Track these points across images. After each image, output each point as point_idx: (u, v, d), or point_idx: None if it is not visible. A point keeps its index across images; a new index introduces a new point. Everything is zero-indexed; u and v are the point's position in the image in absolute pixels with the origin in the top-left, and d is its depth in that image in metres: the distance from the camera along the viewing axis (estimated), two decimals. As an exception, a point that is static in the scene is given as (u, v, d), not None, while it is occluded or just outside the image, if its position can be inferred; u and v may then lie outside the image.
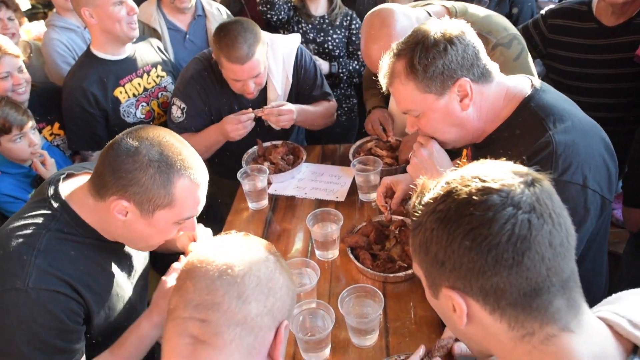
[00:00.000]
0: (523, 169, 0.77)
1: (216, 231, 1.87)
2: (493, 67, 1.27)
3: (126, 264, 1.36)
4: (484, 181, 0.73)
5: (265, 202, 2.00)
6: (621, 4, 1.96)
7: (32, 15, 5.14)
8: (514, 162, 1.17)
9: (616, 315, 0.76)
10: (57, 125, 2.23)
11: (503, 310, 0.72)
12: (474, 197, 0.72)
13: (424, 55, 1.20)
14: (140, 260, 1.43)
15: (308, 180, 2.11)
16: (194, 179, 1.16)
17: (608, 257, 1.45)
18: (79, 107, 2.11)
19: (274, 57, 2.17)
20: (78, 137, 2.18)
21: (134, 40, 2.17)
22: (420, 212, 0.79)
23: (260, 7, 2.80)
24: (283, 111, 2.08)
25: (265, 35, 2.13)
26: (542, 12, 2.28)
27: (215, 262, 0.86)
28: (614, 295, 0.88)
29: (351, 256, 1.62)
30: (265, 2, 2.75)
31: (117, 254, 1.32)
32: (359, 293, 1.39)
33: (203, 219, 1.55)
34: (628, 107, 2.13)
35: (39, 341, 1.10)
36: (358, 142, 2.25)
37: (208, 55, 2.17)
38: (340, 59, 2.82)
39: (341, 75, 2.82)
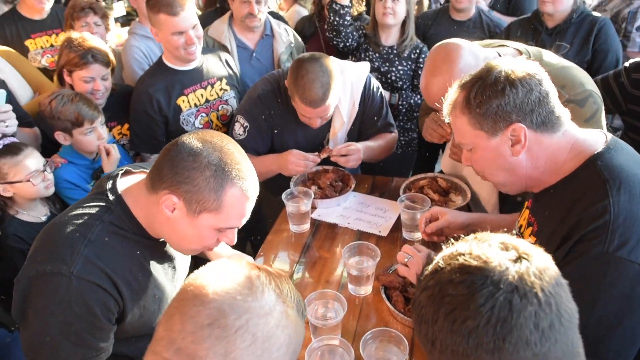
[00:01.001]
0: (515, 242, 0.74)
1: (256, 246, 1.89)
2: (562, 115, 1.19)
3: (168, 266, 1.38)
4: (465, 260, 0.72)
5: (306, 226, 1.98)
6: None
7: (127, 21, 5.57)
8: (567, 223, 1.10)
9: None
10: (126, 125, 2.37)
11: None
12: (454, 276, 0.71)
13: (480, 92, 1.17)
14: (183, 264, 1.46)
15: (353, 210, 2.07)
16: (245, 191, 1.17)
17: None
18: (143, 111, 2.24)
19: (342, 84, 2.17)
20: (140, 139, 2.30)
21: (203, 51, 2.29)
22: (418, 284, 0.79)
23: (328, 33, 2.85)
24: (351, 151, 2.08)
25: (337, 62, 2.15)
26: (627, 64, 2.12)
27: (212, 303, 0.76)
28: None
29: (383, 296, 1.55)
30: (331, 30, 2.80)
31: (161, 254, 1.35)
32: (384, 337, 1.33)
33: (247, 229, 1.57)
34: None
35: (69, 329, 1.13)
36: (411, 178, 2.18)
37: (278, 77, 2.20)
38: (403, 91, 2.79)
39: (400, 107, 2.78)
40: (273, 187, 2.24)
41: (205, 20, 3.10)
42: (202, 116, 2.34)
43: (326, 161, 2.23)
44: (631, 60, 2.14)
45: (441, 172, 2.26)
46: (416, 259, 1.47)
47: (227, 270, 0.82)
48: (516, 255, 0.71)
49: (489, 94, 1.15)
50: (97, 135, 2.06)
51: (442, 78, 1.66)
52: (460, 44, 1.69)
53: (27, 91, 2.40)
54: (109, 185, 1.26)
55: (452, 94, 1.27)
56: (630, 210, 1.05)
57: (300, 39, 2.94)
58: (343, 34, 2.77)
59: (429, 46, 2.86)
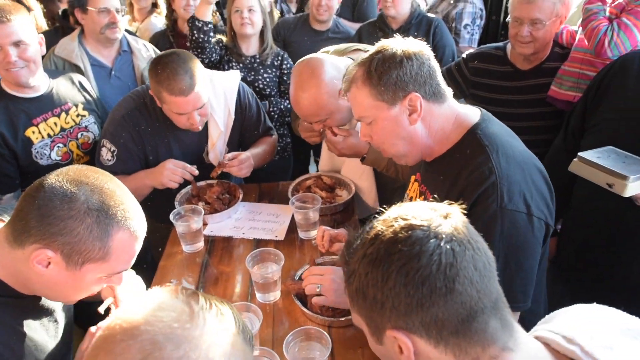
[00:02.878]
0: (438, 204, 0.82)
1: (148, 279, 1.74)
2: (447, 90, 1.32)
3: (48, 321, 1.19)
4: (405, 219, 0.78)
5: (200, 245, 1.89)
6: (529, 54, 2.17)
7: None
8: (457, 187, 1.22)
9: (551, 332, 0.82)
10: None
11: (446, 340, 0.74)
12: (400, 235, 0.76)
13: (380, 64, 1.25)
14: (62, 313, 1.26)
15: (245, 219, 2.04)
16: (134, 232, 1.06)
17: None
18: None
19: (214, 92, 2.12)
20: None
21: (52, 75, 2.04)
22: (350, 260, 0.81)
23: (192, 51, 2.76)
24: (243, 160, 2.04)
25: (205, 72, 2.09)
26: (464, 55, 2.44)
27: (141, 336, 0.65)
28: (547, 315, 0.93)
29: (297, 302, 1.54)
30: (195, 47, 2.72)
31: (36, 310, 1.16)
32: (305, 336, 1.33)
33: (134, 265, 1.43)
34: (547, 143, 2.30)
35: None
36: (297, 180, 2.23)
37: (141, 93, 2.07)
38: (272, 98, 2.83)
39: (272, 113, 2.83)
40: (156, 214, 2.09)
41: (49, 41, 2.78)
42: (58, 147, 2.09)
43: (206, 176, 2.16)
44: (467, 52, 2.46)
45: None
46: (326, 283, 1.47)
47: (159, 300, 0.70)
48: (443, 214, 0.79)
49: (388, 65, 1.24)
50: None
51: (310, 93, 1.75)
52: (321, 59, 1.79)
53: None
54: None
55: (350, 71, 1.34)
56: (509, 169, 1.21)
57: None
58: (207, 50, 2.71)
59: (290, 53, 2.96)
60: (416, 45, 1.29)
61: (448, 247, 0.73)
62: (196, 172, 1.99)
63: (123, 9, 2.49)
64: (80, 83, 2.25)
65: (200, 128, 2.00)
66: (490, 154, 1.22)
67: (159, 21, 3.42)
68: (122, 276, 1.15)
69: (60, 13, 3.02)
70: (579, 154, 1.56)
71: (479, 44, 3.32)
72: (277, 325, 1.53)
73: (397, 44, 1.29)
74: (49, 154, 2.05)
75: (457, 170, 1.27)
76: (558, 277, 2.01)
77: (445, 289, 0.72)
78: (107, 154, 2.02)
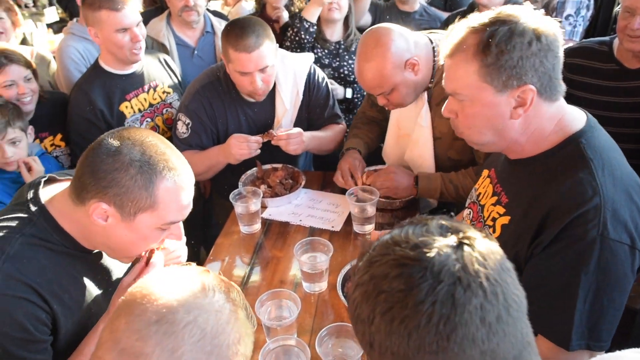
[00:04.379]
0: (456, 225, 0.67)
1: (206, 252, 1.81)
2: (562, 87, 1.12)
3: (104, 279, 1.28)
4: (402, 249, 0.64)
5: (257, 227, 1.91)
6: (639, 51, 1.89)
7: (60, 28, 5.30)
8: (546, 199, 1.07)
9: None
10: (59, 136, 2.21)
11: None
12: (389, 270, 0.63)
13: (505, 40, 1.02)
14: (119, 275, 1.35)
15: (305, 206, 2.03)
16: (178, 182, 1.10)
17: (625, 313, 1.31)
18: (85, 120, 2.10)
19: (284, 71, 2.13)
20: (82, 149, 2.14)
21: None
22: (353, 277, 0.71)
23: (289, 45, 2.77)
24: (292, 134, 2.02)
25: (277, 48, 2.11)
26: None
27: (158, 301, 0.73)
28: (614, 353, 0.80)
29: (342, 298, 1.49)
30: (296, 45, 2.74)
31: (96, 266, 1.25)
32: (340, 333, 1.29)
33: (197, 237, 1.50)
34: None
35: (4, 352, 1.03)
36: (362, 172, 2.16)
37: (215, 69, 2.15)
38: (355, 84, 2.78)
39: (355, 100, 2.78)
40: (222, 190, 2.16)
41: (145, 20, 2.98)
42: (147, 121, 2.23)
43: (275, 159, 2.18)
44: (565, 46, 2.21)
45: None
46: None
47: (175, 275, 0.79)
48: (457, 241, 0.64)
49: (513, 44, 1.02)
50: (0, 153, 1.84)
51: (375, 63, 1.66)
52: (389, 28, 1.69)
53: None
54: (30, 194, 1.15)
55: (458, 34, 1.12)
56: (615, 192, 1.04)
57: None
58: (306, 49, 2.73)
59: None
60: (550, 25, 1.05)
61: (446, 292, 0.59)
62: (261, 141, 2.00)
63: None
64: (166, 62, 2.38)
65: (262, 96, 2.03)
66: (595, 170, 1.05)
67: (248, 5, 3.51)
68: (180, 228, 1.19)
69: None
70: None
71: (584, 39, 2.98)
72: (318, 316, 1.51)
73: (528, 17, 1.04)
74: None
75: (548, 180, 1.10)
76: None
77: (436, 347, 0.59)
78: (182, 127, 2.11)
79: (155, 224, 1.11)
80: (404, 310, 0.60)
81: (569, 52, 2.15)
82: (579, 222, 1.02)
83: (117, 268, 1.32)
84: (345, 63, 2.75)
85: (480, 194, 1.38)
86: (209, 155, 2.09)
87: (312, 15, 2.65)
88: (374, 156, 2.37)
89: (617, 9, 2.05)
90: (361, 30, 2.84)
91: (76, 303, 1.17)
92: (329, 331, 1.28)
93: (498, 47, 1.03)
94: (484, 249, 0.64)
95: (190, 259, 1.62)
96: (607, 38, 2.11)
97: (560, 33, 1.08)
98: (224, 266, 1.75)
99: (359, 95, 2.78)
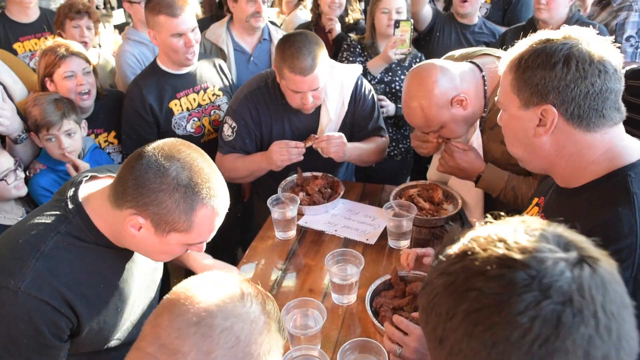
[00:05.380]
0: (578, 240, 0.59)
1: (241, 253, 1.84)
2: (610, 119, 1.05)
3: (137, 274, 1.33)
4: (509, 248, 0.56)
5: (292, 233, 1.93)
6: None
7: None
8: (580, 230, 0.99)
9: None
10: (113, 133, 2.33)
11: None
12: (489, 268, 0.55)
13: (533, 57, 1.06)
14: (151, 270, 1.41)
15: (341, 217, 2.02)
16: (216, 209, 1.13)
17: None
18: (135, 111, 2.22)
19: (331, 81, 2.15)
20: (131, 139, 2.27)
21: (198, 57, 2.27)
22: (436, 266, 0.64)
23: (341, 54, 2.81)
24: (333, 137, 2.03)
25: (328, 60, 2.13)
26: (622, 71, 2.08)
27: (199, 304, 0.77)
28: None
29: (369, 312, 1.46)
30: (346, 49, 2.77)
31: (127, 262, 1.29)
32: (364, 348, 1.27)
33: (235, 239, 1.55)
34: None
35: (15, 347, 1.08)
36: (401, 186, 2.14)
37: (265, 76, 2.20)
38: None
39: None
40: (263, 195, 2.19)
41: (201, 28, 3.10)
42: (194, 120, 2.32)
43: (317, 167, 2.20)
44: (627, 68, 2.09)
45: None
46: (408, 350, 1.20)
47: (218, 280, 0.83)
48: (578, 257, 0.55)
49: (539, 62, 1.05)
50: (57, 144, 1.94)
51: (419, 105, 1.66)
52: (434, 66, 1.68)
53: (23, 90, 2.37)
54: (70, 192, 1.20)
55: (517, 48, 1.15)
56: None
57: None
58: (359, 62, 2.76)
59: (438, 48, 2.87)
60: (600, 50, 1.02)
61: (552, 310, 0.51)
62: (302, 146, 2.02)
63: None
64: (220, 66, 2.47)
65: (311, 110, 2.06)
66: (636, 207, 0.98)
67: (303, 14, 3.57)
68: (204, 246, 1.24)
69: (217, 2, 3.33)
70: None
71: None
72: (345, 329, 1.50)
73: (574, 41, 1.03)
74: (185, 126, 2.29)
75: (587, 212, 1.04)
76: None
77: None
78: (227, 129, 2.17)
79: (184, 242, 1.16)
80: (496, 316, 0.53)
81: (630, 74, 2.03)
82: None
83: (146, 264, 1.37)
84: (397, 78, 2.73)
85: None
86: (252, 160, 2.14)
87: (377, 69, 2.68)
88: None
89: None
90: (418, 32, 2.82)
91: (103, 301, 1.21)
92: (352, 345, 1.27)
93: (526, 62, 1.08)
94: (608, 275, 0.56)
95: (228, 260, 1.66)
96: (674, 61, 1.98)
97: (615, 64, 1.04)
98: (257, 270, 1.78)
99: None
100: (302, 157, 2.03)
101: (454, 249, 0.62)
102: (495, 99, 1.41)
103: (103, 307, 1.21)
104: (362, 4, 3.76)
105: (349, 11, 3.30)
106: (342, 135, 2.07)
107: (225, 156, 2.19)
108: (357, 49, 2.77)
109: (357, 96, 2.21)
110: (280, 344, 0.83)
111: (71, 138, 1.98)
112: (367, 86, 2.26)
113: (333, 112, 2.16)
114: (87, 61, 2.17)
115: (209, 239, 1.20)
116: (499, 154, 1.75)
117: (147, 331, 0.79)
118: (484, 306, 0.54)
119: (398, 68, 2.74)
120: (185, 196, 1.08)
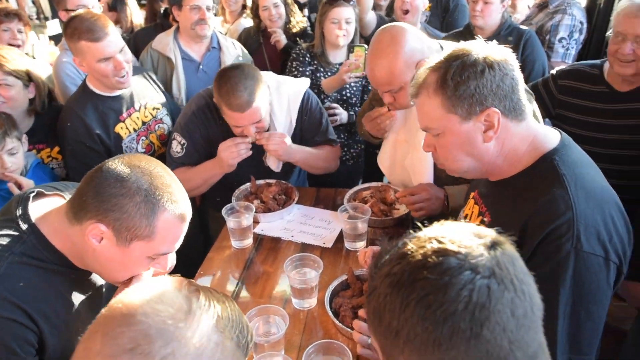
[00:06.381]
0: (485, 231, 0.71)
1: (197, 267, 1.81)
2: (527, 107, 1.18)
3: (93, 296, 1.28)
4: (440, 242, 0.68)
5: (249, 242, 1.92)
6: (630, 75, 1.92)
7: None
8: (522, 216, 1.11)
9: None
10: (56, 149, 2.20)
11: None
12: (429, 260, 0.66)
13: (458, 72, 1.12)
14: (109, 292, 1.34)
15: (297, 222, 2.04)
16: (178, 215, 1.11)
17: (611, 334, 1.32)
18: (83, 145, 2.08)
19: (278, 99, 2.15)
20: (81, 174, 2.14)
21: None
22: (375, 275, 0.73)
23: (290, 64, 2.82)
24: (274, 133, 2.03)
25: (271, 77, 2.13)
26: (553, 72, 2.23)
27: (138, 326, 0.67)
28: None
29: (328, 309, 1.49)
30: (295, 59, 2.79)
31: (86, 285, 1.25)
32: (327, 350, 1.29)
33: (190, 250, 1.51)
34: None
35: None
36: (354, 189, 2.18)
37: (212, 92, 2.14)
38: (357, 107, 2.80)
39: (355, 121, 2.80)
40: (217, 204, 2.16)
41: (145, 37, 3.03)
42: (142, 139, 2.24)
43: (269, 175, 2.20)
44: (557, 68, 2.25)
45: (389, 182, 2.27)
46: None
47: (163, 290, 0.73)
48: (490, 242, 0.69)
49: (467, 75, 1.11)
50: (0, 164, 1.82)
51: (387, 60, 1.67)
52: (404, 27, 1.72)
53: None
54: (19, 211, 1.15)
55: (421, 75, 1.21)
56: (587, 206, 1.07)
57: (247, 53, 2.91)
58: (309, 72, 2.78)
59: None
60: (500, 53, 1.14)
61: (483, 283, 0.63)
62: (248, 140, 2.00)
63: (214, 7, 2.64)
64: (151, 77, 2.39)
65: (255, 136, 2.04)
66: (568, 186, 1.09)
67: (247, 22, 3.56)
68: (167, 260, 1.20)
69: (162, 11, 3.27)
70: None
71: (576, 61, 3.03)
72: (307, 332, 1.50)
73: (478, 49, 1.14)
74: (136, 147, 2.21)
75: (525, 198, 1.14)
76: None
77: (469, 333, 0.62)
78: (177, 146, 2.13)
79: (148, 253, 1.12)
80: (443, 296, 0.63)
81: (560, 74, 2.19)
82: (553, 236, 1.06)
83: (107, 285, 1.32)
84: (347, 85, 2.77)
85: (467, 215, 1.41)
86: (204, 168, 2.10)
87: (331, 90, 2.72)
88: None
89: (609, 33, 2.08)
90: (367, 41, 2.89)
91: (64, 322, 1.17)
92: (316, 348, 1.28)
93: (454, 79, 1.12)
94: (512, 252, 0.70)
95: (188, 273, 1.62)
96: (598, 61, 2.15)
97: (511, 57, 1.15)
98: (214, 281, 1.75)
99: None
100: (250, 152, 2.01)
101: (390, 255, 0.72)
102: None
103: (64, 328, 1.16)
104: (306, 10, 3.80)
105: (291, 19, 3.32)
106: (284, 134, 2.07)
107: (175, 170, 2.13)
108: (307, 58, 2.80)
109: (304, 111, 2.23)
110: None
111: (14, 157, 1.87)
112: (313, 99, 2.28)
113: (281, 130, 2.17)
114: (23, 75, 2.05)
115: (173, 250, 1.17)
116: None
117: (78, 353, 0.71)
118: (431, 291, 0.64)
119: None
120: (146, 200, 1.06)
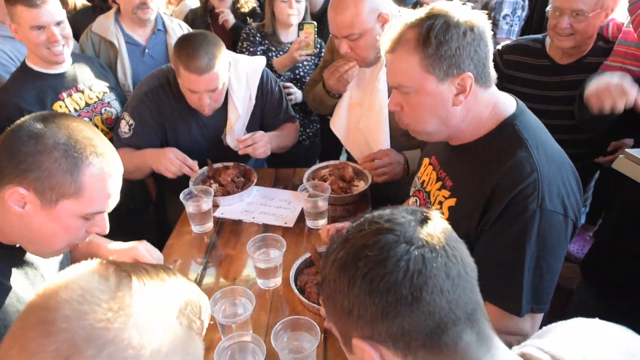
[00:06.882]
0: (416, 209, 0.78)
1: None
2: (494, 75, 1.21)
3: (32, 274, 1.17)
4: (377, 223, 0.73)
5: (209, 226, 1.90)
6: (569, 48, 2.02)
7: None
8: (489, 178, 1.15)
9: (540, 351, 0.75)
10: None
11: (415, 353, 0.69)
12: (368, 240, 0.71)
13: (442, 32, 1.09)
14: (52, 271, 1.25)
15: (257, 204, 2.03)
16: (106, 169, 1.05)
17: (561, 293, 1.41)
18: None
19: (236, 76, 2.11)
20: None
21: (74, 56, 2.11)
22: (325, 264, 0.77)
23: (241, 44, 2.76)
24: (256, 138, 2.01)
25: (228, 53, 2.08)
26: (499, 47, 2.31)
27: (61, 335, 0.54)
28: (543, 328, 0.86)
29: (295, 291, 1.51)
30: (245, 39, 2.72)
31: (21, 262, 1.15)
32: (295, 326, 1.30)
33: (151, 240, 1.48)
34: (584, 143, 2.15)
35: None
36: (313, 168, 2.19)
37: (166, 71, 2.10)
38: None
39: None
40: (176, 190, 2.11)
41: (82, 19, 2.86)
42: (85, 120, 2.15)
43: (226, 158, 2.17)
44: (502, 44, 2.33)
45: (348, 159, 2.30)
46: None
47: (84, 284, 0.59)
48: (421, 216, 0.74)
49: (450, 35, 1.10)
50: None
51: (354, 1, 1.69)
52: None
53: None
54: None
55: (397, 30, 1.17)
56: (549, 168, 1.13)
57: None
58: (260, 51, 2.72)
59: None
60: (479, 18, 1.13)
61: (418, 253, 0.68)
62: (196, 168, 1.96)
63: None
64: (100, 64, 2.32)
65: (209, 113, 2.01)
66: (531, 149, 1.14)
67: (193, 3, 3.45)
68: (105, 220, 1.12)
69: (98, -8, 3.09)
70: (626, 150, 1.46)
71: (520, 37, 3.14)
72: (274, 312, 1.51)
73: (459, 11, 1.12)
74: None
75: (490, 161, 1.18)
76: (584, 285, 1.88)
77: (411, 298, 0.67)
78: (124, 126, 2.06)
79: (79, 212, 1.04)
80: (383, 269, 0.68)
81: (506, 49, 2.27)
82: (520, 197, 1.11)
83: (45, 263, 1.23)
84: (300, 64, 2.75)
85: (424, 181, 1.45)
86: (141, 155, 2.02)
87: (283, 69, 2.68)
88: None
89: (548, 8, 2.17)
90: (315, 18, 2.87)
91: (4, 306, 1.07)
92: (284, 325, 1.29)
93: (437, 38, 1.10)
94: (442, 223, 0.75)
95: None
96: (540, 36, 2.24)
97: (487, 23, 1.16)
98: (176, 267, 1.72)
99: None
100: (187, 174, 1.96)
101: (335, 244, 0.77)
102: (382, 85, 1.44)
103: (3, 313, 1.06)
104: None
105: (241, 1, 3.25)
106: (263, 133, 2.06)
107: (119, 150, 2.05)
108: (257, 38, 2.75)
109: (264, 89, 2.20)
110: (193, 346, 0.63)
111: None
112: (272, 77, 2.26)
113: (241, 107, 2.14)
114: None
115: (107, 209, 1.10)
116: None
117: None
118: (372, 266, 0.69)
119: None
120: (66, 154, 0.99)
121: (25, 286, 1.14)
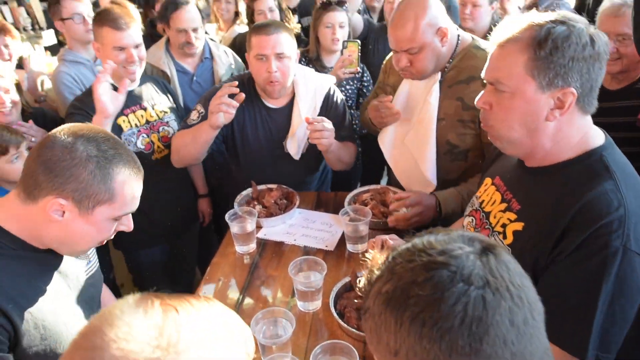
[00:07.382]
0: (475, 236, 0.69)
1: (201, 272, 1.84)
2: (595, 104, 1.13)
3: (63, 274, 1.27)
4: (429, 255, 0.65)
5: (252, 246, 1.95)
6: (617, 73, 1.98)
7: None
8: (570, 206, 1.08)
9: None
10: None
11: None
12: (419, 275, 0.64)
13: (562, 38, 1.03)
14: (77, 270, 1.34)
15: (299, 226, 2.07)
16: (132, 174, 1.17)
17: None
18: None
19: (305, 85, 2.22)
20: None
21: (141, 76, 2.26)
22: (368, 293, 0.70)
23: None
24: (326, 125, 2.02)
25: (300, 67, 2.21)
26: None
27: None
28: None
29: (333, 311, 1.53)
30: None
31: (51, 264, 1.24)
32: (334, 350, 1.32)
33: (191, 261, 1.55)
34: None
35: None
36: (354, 192, 2.22)
37: (241, 75, 2.28)
38: (352, 110, 2.84)
39: (354, 126, 2.83)
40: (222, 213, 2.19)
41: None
42: (142, 137, 2.28)
43: (269, 180, 2.24)
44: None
45: (388, 183, 2.31)
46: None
47: (130, 318, 0.57)
48: (481, 248, 0.66)
49: (569, 44, 1.03)
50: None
51: (414, 15, 1.73)
52: None
53: None
54: None
55: (518, 25, 1.11)
56: (637, 206, 1.06)
57: (240, 60, 2.95)
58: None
59: (374, 59, 2.98)
60: (604, 39, 1.06)
61: (477, 294, 0.60)
62: (236, 90, 1.97)
63: (204, 18, 2.67)
64: (164, 85, 2.46)
65: (277, 89, 2.09)
66: (619, 183, 1.07)
67: (241, 29, 3.60)
68: (131, 221, 1.25)
69: (149, 21, 3.29)
70: None
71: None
72: (313, 334, 1.54)
73: (584, 22, 1.05)
74: (135, 142, 2.24)
75: (572, 187, 1.11)
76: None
77: (469, 349, 0.59)
78: (194, 114, 2.18)
79: (112, 215, 1.16)
80: (436, 313, 0.60)
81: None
82: (604, 230, 1.03)
83: (72, 264, 1.32)
84: (342, 89, 2.81)
85: (483, 201, 1.39)
86: (198, 129, 2.09)
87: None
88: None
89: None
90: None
91: (35, 306, 1.15)
92: (323, 349, 1.31)
93: (554, 42, 1.04)
94: (505, 256, 0.66)
95: (185, 279, 1.65)
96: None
97: (607, 49, 1.08)
98: (219, 287, 1.78)
99: (356, 121, 2.84)
100: (233, 111, 1.96)
101: (380, 272, 0.70)
102: (474, 74, 1.46)
103: (37, 311, 1.15)
104: (296, 16, 3.84)
105: (286, 24, 3.36)
106: (332, 127, 2.05)
107: (178, 132, 2.22)
108: (302, 63, 2.84)
109: (329, 102, 2.28)
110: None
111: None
112: (338, 94, 2.33)
113: (305, 113, 2.19)
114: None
115: (134, 209, 1.22)
116: (452, 110, 1.87)
117: None
118: (424, 308, 0.61)
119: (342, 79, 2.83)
120: (99, 166, 1.10)
121: (57, 286, 1.24)
